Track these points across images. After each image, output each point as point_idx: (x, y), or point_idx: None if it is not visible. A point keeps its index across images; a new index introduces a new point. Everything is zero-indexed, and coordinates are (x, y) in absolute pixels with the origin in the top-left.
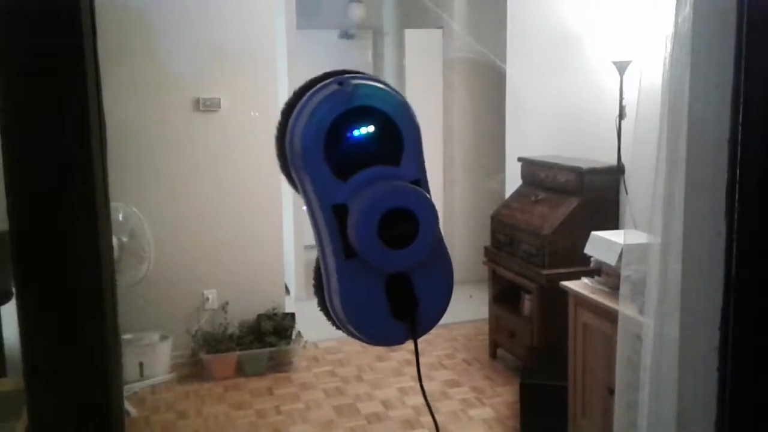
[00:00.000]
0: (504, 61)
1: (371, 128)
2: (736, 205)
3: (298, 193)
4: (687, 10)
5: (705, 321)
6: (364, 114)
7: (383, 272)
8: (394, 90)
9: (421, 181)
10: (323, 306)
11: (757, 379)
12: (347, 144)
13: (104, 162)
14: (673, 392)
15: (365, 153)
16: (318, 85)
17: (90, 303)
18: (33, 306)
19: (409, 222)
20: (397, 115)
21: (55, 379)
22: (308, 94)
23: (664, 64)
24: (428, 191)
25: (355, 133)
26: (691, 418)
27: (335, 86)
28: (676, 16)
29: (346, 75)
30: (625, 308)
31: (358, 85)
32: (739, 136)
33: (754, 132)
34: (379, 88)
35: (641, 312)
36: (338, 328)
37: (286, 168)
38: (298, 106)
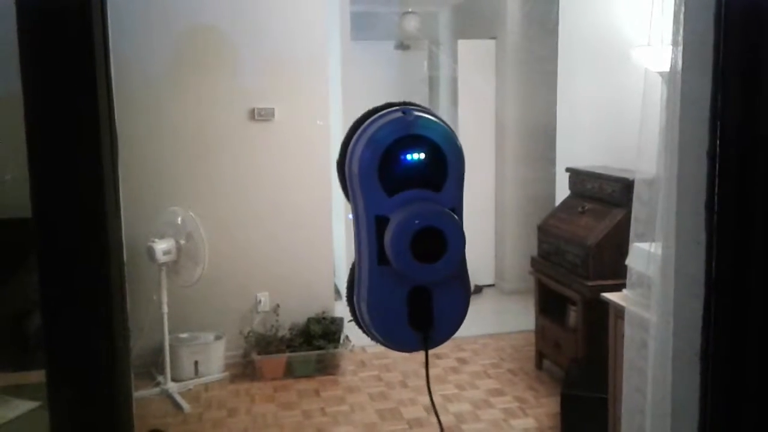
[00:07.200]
0: (554, 69)
1: (422, 155)
2: (715, 216)
3: (349, 201)
4: (681, 17)
5: (692, 328)
6: (418, 142)
7: (408, 283)
8: (448, 126)
9: (456, 209)
10: (351, 305)
11: (736, 384)
12: (399, 165)
13: (115, 171)
14: (668, 401)
15: (413, 175)
16: (383, 111)
17: (97, 303)
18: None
19: (439, 242)
20: (447, 148)
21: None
22: (373, 117)
23: (669, 75)
24: (461, 219)
25: (408, 156)
26: (681, 428)
27: (399, 114)
28: (674, 24)
29: (409, 107)
30: (651, 316)
31: (418, 117)
32: (717, 149)
33: (730, 145)
34: (435, 122)
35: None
36: (361, 327)
37: (343, 178)
38: (363, 126)
